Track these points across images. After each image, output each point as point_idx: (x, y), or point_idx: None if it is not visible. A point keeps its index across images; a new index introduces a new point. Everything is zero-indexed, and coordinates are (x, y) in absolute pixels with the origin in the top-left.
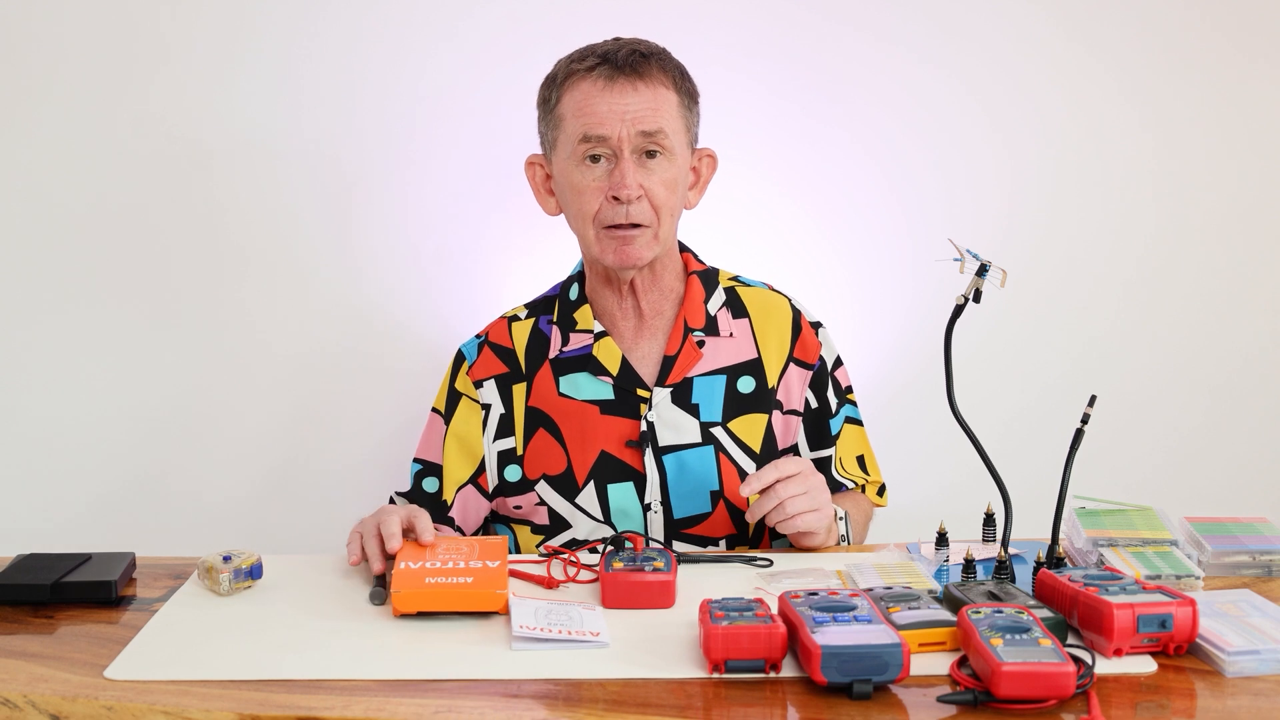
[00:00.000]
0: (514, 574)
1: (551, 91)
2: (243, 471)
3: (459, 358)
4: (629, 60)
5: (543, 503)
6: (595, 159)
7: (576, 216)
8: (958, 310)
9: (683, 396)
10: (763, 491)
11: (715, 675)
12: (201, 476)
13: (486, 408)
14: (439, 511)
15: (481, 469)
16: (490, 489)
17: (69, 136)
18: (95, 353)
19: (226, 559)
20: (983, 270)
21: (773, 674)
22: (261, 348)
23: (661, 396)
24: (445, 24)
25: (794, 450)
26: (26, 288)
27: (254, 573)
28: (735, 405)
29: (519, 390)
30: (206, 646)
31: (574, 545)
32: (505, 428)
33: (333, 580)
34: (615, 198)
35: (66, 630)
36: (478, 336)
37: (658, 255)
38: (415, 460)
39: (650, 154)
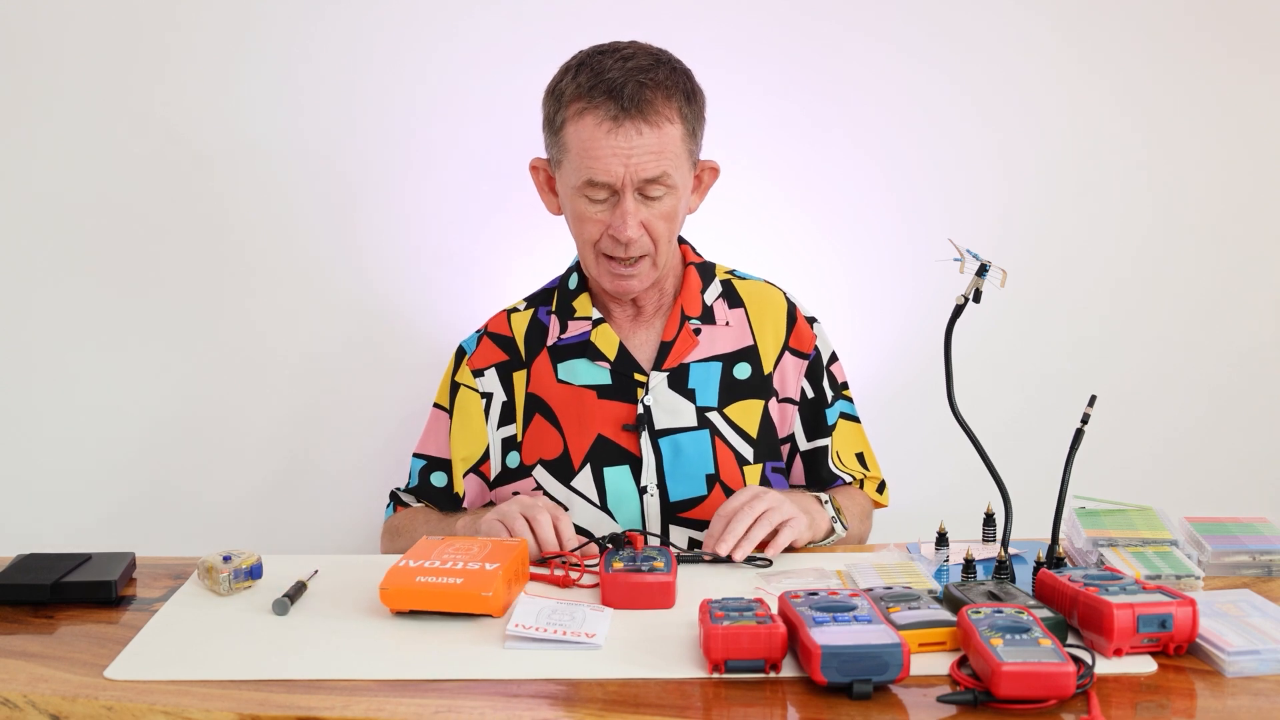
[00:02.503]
0: (534, 576)
1: (556, 113)
2: (243, 472)
3: (459, 352)
4: (635, 99)
5: (539, 487)
6: (597, 196)
7: (576, 237)
8: (958, 310)
9: (679, 381)
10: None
11: (715, 675)
12: (202, 477)
13: (488, 396)
14: (453, 503)
15: (485, 457)
16: (493, 477)
17: (71, 139)
18: (96, 353)
19: (226, 559)
20: (983, 270)
21: (773, 674)
22: (262, 348)
23: (658, 381)
24: (445, 25)
25: (791, 440)
26: (27, 287)
27: (254, 573)
28: (731, 391)
29: (519, 377)
30: (206, 646)
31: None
32: (507, 415)
33: (332, 580)
34: (614, 237)
35: (66, 630)
36: (477, 331)
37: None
38: (417, 455)
39: (652, 192)
